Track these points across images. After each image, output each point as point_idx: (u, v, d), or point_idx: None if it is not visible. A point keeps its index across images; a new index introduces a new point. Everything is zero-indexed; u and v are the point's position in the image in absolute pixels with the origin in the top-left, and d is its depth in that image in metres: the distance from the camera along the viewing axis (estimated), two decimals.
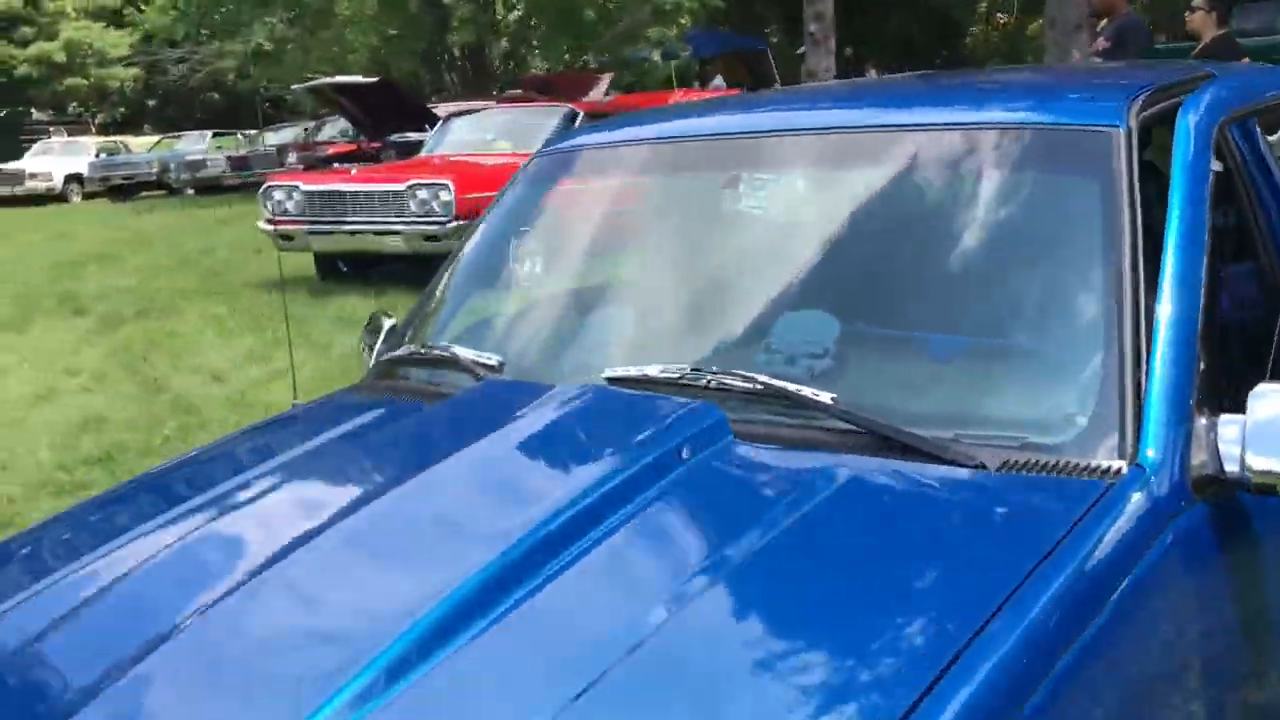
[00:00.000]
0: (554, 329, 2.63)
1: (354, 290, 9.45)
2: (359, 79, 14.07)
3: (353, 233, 9.17)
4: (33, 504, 4.92)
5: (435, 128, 11.18)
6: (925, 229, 2.30)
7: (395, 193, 8.93)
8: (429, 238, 8.87)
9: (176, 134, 30.96)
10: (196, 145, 27.75)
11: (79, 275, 11.35)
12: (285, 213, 9.57)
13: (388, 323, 3.03)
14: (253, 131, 30.55)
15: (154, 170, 25.91)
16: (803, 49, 24.71)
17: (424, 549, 1.65)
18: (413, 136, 14.28)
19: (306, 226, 9.42)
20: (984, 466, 1.77)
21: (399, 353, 2.66)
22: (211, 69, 30.57)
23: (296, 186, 9.47)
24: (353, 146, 15.18)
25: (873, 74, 23.52)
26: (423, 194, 8.85)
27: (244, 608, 1.53)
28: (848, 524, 1.73)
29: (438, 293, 2.94)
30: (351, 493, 1.92)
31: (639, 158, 2.72)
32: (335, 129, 22.57)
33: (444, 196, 8.75)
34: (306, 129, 24.53)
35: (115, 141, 31.74)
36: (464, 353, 2.43)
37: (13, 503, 4.96)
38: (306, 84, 13.87)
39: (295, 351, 7.43)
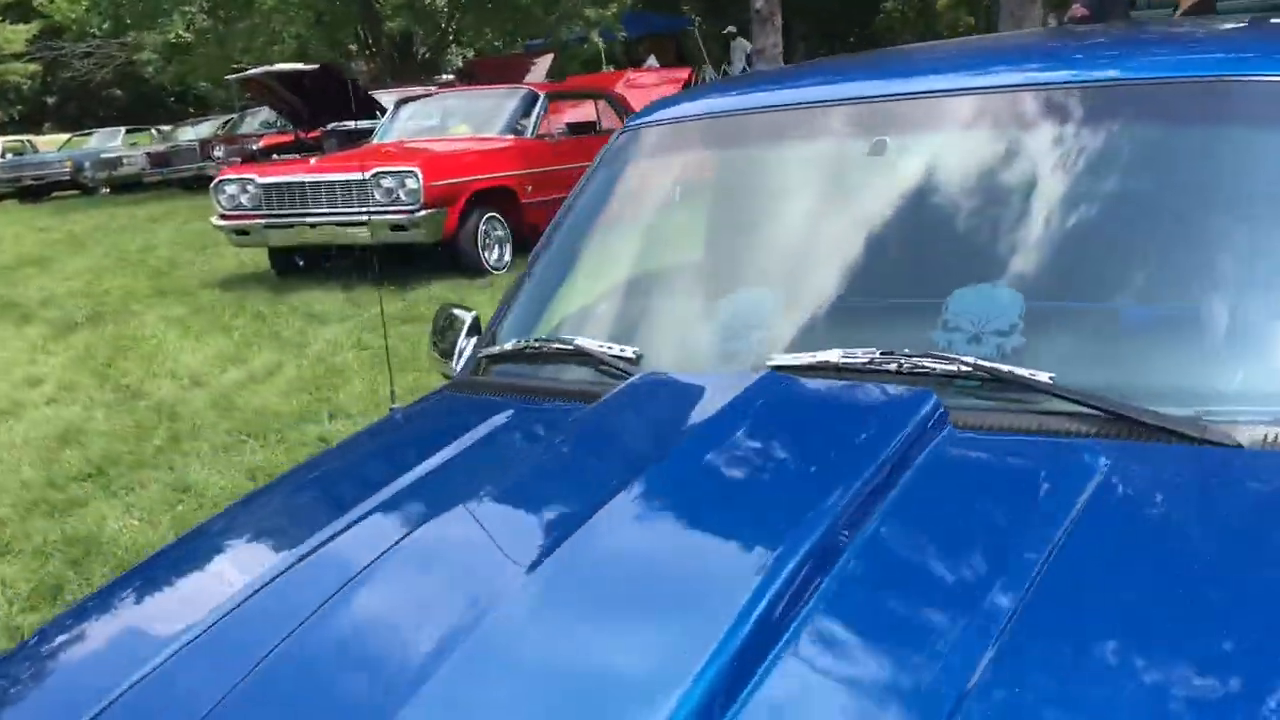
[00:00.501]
0: (688, 315, 2.42)
1: (316, 285, 9.10)
2: (300, 66, 13.61)
3: (314, 225, 8.81)
4: (27, 525, 4.58)
5: (387, 114, 10.80)
6: (1119, 191, 2.13)
7: (358, 182, 8.60)
8: (396, 227, 8.55)
9: (87, 131, 29.90)
10: (110, 142, 26.81)
11: (15, 281, 10.80)
12: (240, 207, 9.18)
13: (468, 316, 2.79)
14: (167, 127, 29.63)
15: (67, 170, 24.99)
16: (729, 29, 24.70)
17: (686, 573, 1.44)
18: (353, 125, 13.88)
19: (264, 220, 9.04)
20: (1239, 444, 1.62)
21: (505, 347, 2.43)
22: (120, 63, 29.44)
23: (251, 179, 9.07)
24: (289, 137, 14.69)
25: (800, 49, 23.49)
26: (388, 182, 8.53)
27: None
28: (1138, 519, 1.56)
29: (537, 281, 2.71)
30: (554, 514, 1.69)
31: (765, 126, 2.51)
32: (257, 121, 21.94)
33: (410, 184, 8.44)
34: (227, 122, 23.79)
35: (21, 140, 30.59)
36: (592, 345, 2.22)
37: (5, 525, 4.61)
38: (241, 74, 13.34)
39: (266, 352, 7.13)
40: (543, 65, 17.05)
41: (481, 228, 9.01)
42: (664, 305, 2.51)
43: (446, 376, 2.78)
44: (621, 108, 11.31)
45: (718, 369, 2.17)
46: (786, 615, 1.29)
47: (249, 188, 9.09)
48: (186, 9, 18.62)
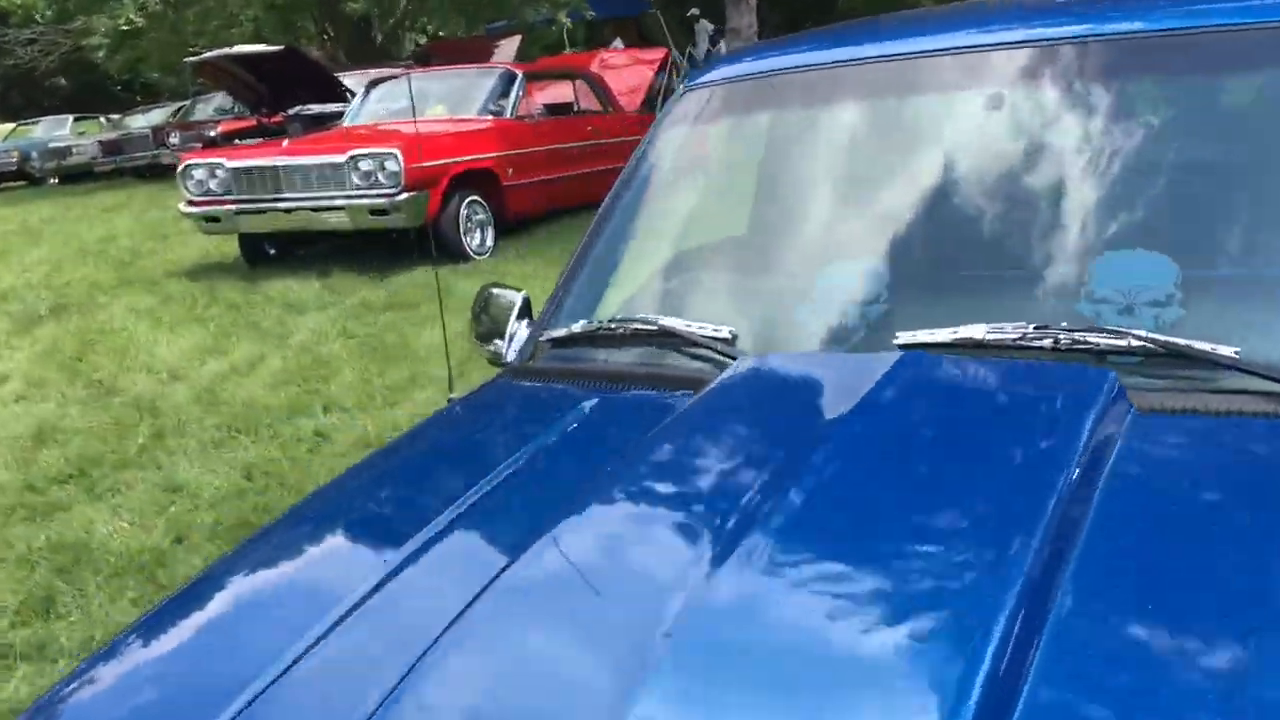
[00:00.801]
0: (786, 289, 2.17)
1: (289, 273, 8.76)
2: (262, 48, 13.14)
3: (289, 210, 8.46)
4: (8, 531, 4.27)
5: (357, 96, 10.44)
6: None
7: (335, 165, 8.26)
8: (376, 211, 8.23)
9: (32, 120, 29.10)
10: (57, 131, 26.10)
11: None
12: (209, 193, 8.81)
13: (517, 297, 2.53)
14: (117, 115, 28.91)
15: (14, 160, 24.29)
16: (692, 11, 24.43)
17: (908, 582, 1.20)
18: (317, 108, 13.48)
19: (234, 206, 8.67)
20: None
21: (573, 329, 2.18)
22: (65, 50, 28.64)
23: (220, 164, 8.70)
24: (249, 122, 14.25)
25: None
26: (366, 165, 8.20)
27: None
28: None
29: (600, 256, 2.46)
30: (707, 520, 1.42)
31: (861, 79, 2.27)
32: (211, 107, 21.40)
33: (391, 166, 8.12)
34: (180, 109, 23.19)
35: None
36: (679, 324, 1.97)
37: None
38: (199, 57, 12.90)
39: (245, 343, 6.80)
40: (509, 47, 16.69)
41: (463, 211, 8.70)
42: (755, 278, 2.26)
43: (494, 363, 2.53)
44: (600, 88, 11.04)
45: (828, 349, 1.93)
46: (1031, 631, 1.08)
47: (218, 172, 8.72)
48: None
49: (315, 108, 13.31)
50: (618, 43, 22.79)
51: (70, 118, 26.87)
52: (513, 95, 9.66)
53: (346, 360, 6.19)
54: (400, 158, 8.06)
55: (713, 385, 1.75)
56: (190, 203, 8.88)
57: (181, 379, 6.16)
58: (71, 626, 3.50)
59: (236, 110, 19.73)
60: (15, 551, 4.07)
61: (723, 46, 20.85)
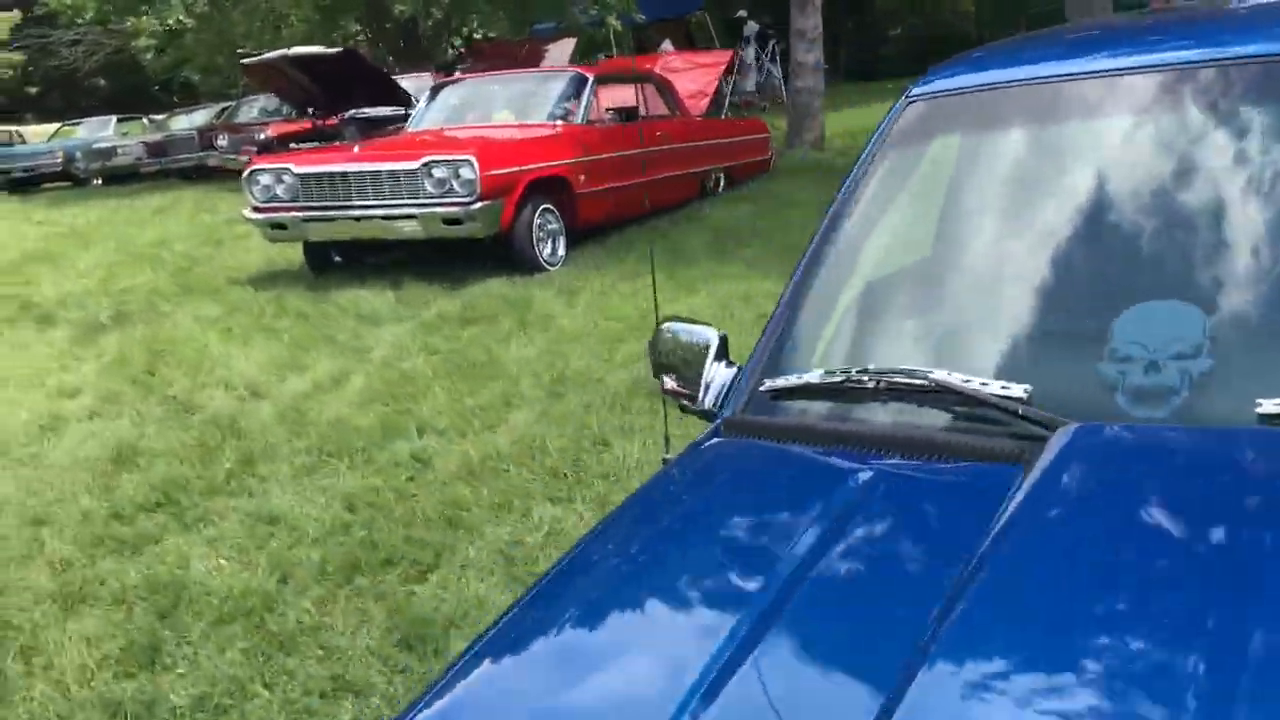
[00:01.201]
0: (1076, 337, 1.83)
1: (358, 282, 8.48)
2: (321, 50, 12.93)
3: (359, 218, 8.19)
4: (98, 566, 3.98)
5: (422, 100, 10.17)
6: None
7: (408, 171, 7.97)
8: (450, 220, 7.94)
9: (75, 121, 29.06)
10: (100, 132, 25.98)
11: (27, 279, 10.13)
12: (275, 199, 8.54)
13: (712, 336, 2.21)
14: (160, 116, 28.85)
15: (58, 161, 24.18)
16: (740, 13, 24.08)
17: None
18: (372, 112, 13.25)
19: (302, 213, 8.40)
20: None
21: (807, 379, 1.86)
22: (109, 51, 28.60)
23: (287, 169, 8.43)
24: (302, 125, 14.02)
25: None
26: (440, 171, 7.91)
27: None
28: None
29: (822, 293, 2.13)
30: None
31: (1141, 91, 1.93)
32: (255, 109, 21.23)
33: (466, 174, 7.83)
34: (224, 110, 23.04)
35: (8, 131, 29.72)
36: (959, 380, 1.65)
37: (70, 567, 4.01)
38: (256, 57, 12.68)
39: (324, 358, 6.52)
40: (562, 49, 16.40)
41: (536, 220, 8.40)
42: (1032, 323, 1.91)
43: (684, 409, 2.21)
44: (668, 92, 10.74)
45: (1148, 411, 1.60)
46: None
47: (285, 178, 8.45)
48: None
49: (372, 111, 13.07)
50: (667, 45, 22.47)
51: (114, 119, 26.77)
52: (583, 100, 9.36)
53: (433, 378, 5.89)
54: (475, 164, 7.77)
55: (1046, 465, 1.43)
56: (256, 209, 8.62)
57: (262, 396, 5.88)
58: (181, 680, 3.21)
59: (285, 112, 19.56)
60: (109, 589, 3.79)
61: (774, 48, 20.41)
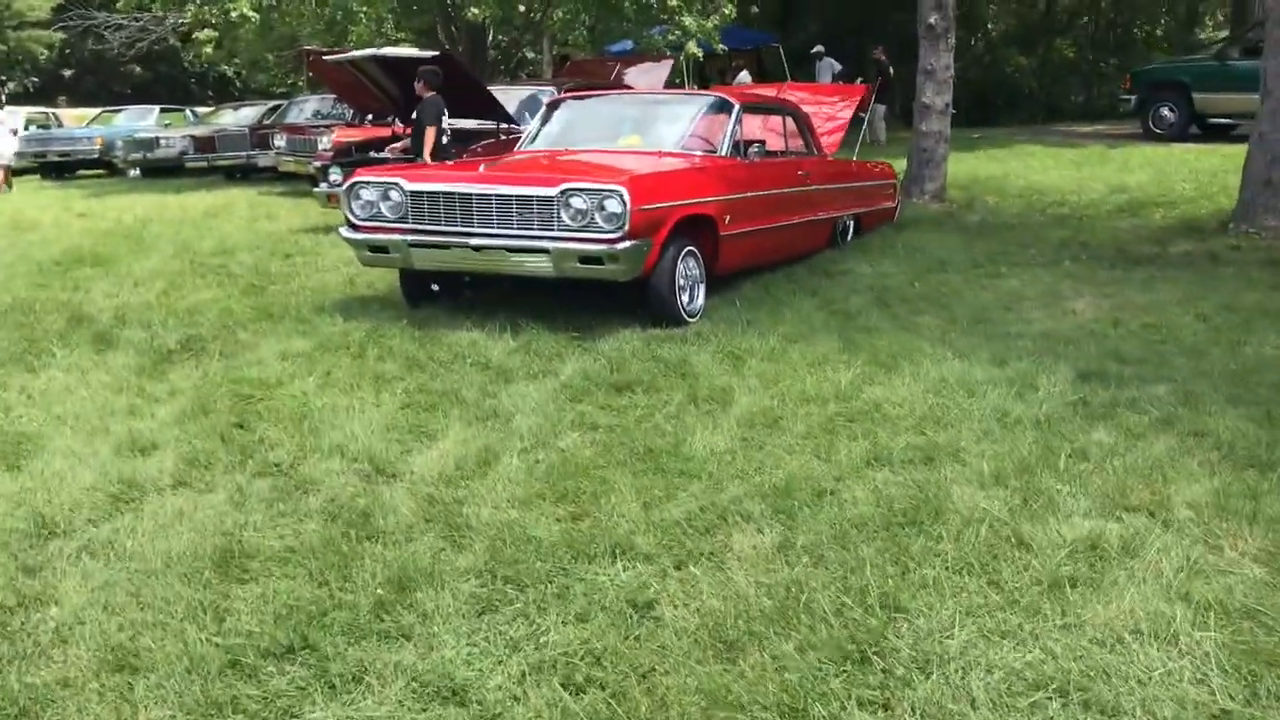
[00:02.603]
0: None
1: (467, 320, 7.29)
2: (414, 51, 11.80)
3: (478, 248, 6.98)
4: None
5: (538, 116, 8.99)
6: None
7: (543, 199, 6.79)
8: (589, 259, 6.74)
9: (115, 108, 28.03)
10: (141, 121, 24.98)
11: (76, 284, 8.95)
12: (377, 216, 7.36)
13: None
14: (204, 109, 27.80)
15: (96, 147, 23.15)
16: (816, 48, 22.90)
17: None
18: (461, 124, 12.07)
19: (410, 236, 7.21)
20: None
21: None
22: (154, 39, 27.52)
23: (396, 184, 7.24)
24: (369, 131, 12.84)
25: (883, 58, 21.73)
26: (580, 202, 6.72)
27: None
28: None
29: None
30: None
31: None
32: (308, 109, 20.13)
33: (613, 207, 6.63)
34: (276, 108, 21.93)
35: (45, 113, 28.71)
36: None
37: None
38: (341, 54, 11.51)
39: (456, 424, 5.26)
40: (660, 71, 15.22)
41: (681, 263, 7.21)
42: None
43: None
44: (807, 128, 9.56)
45: None
46: None
47: (392, 194, 7.26)
48: None
49: (461, 123, 11.90)
50: (745, 75, 21.32)
51: (156, 109, 25.77)
52: (728, 129, 8.18)
53: (606, 466, 4.67)
54: (627, 197, 6.58)
55: None
56: (355, 226, 7.43)
57: (391, 474, 4.65)
58: None
59: (345, 116, 18.49)
60: None
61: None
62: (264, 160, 18.55)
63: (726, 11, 17.31)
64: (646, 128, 8.56)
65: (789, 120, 9.33)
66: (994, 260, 9.08)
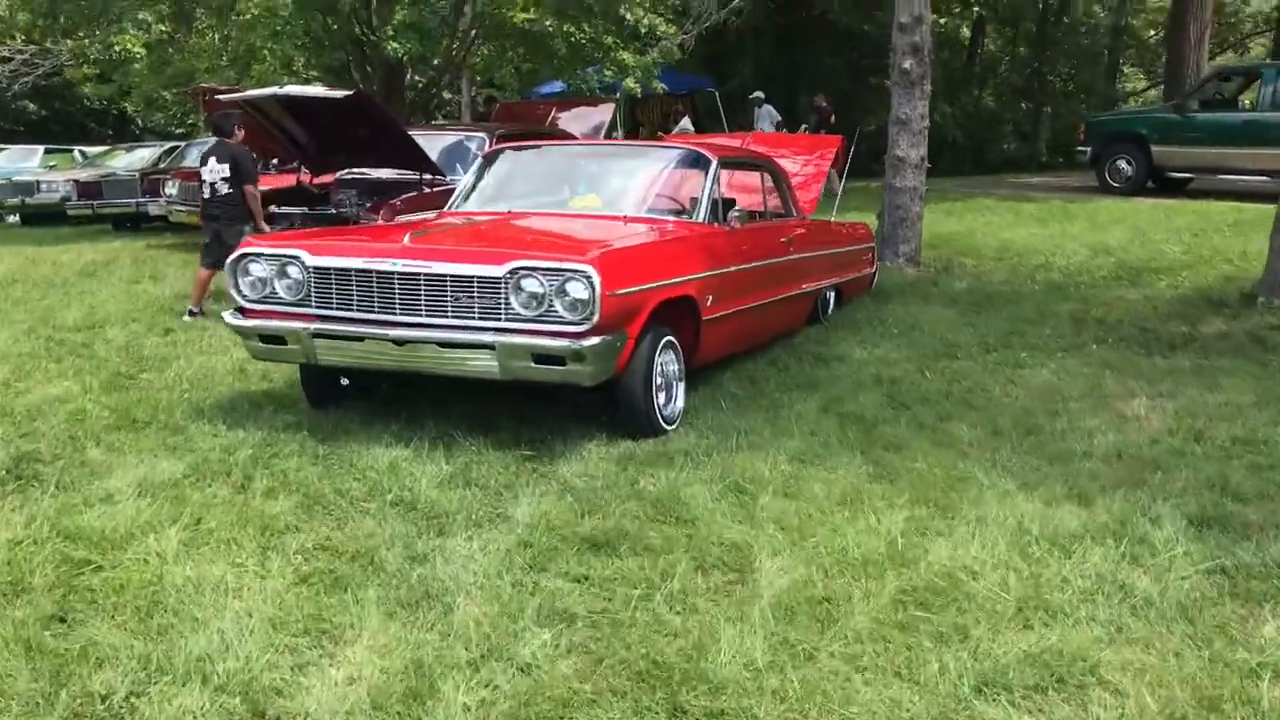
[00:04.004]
0: None
1: (385, 429, 5.76)
2: (325, 91, 10.25)
3: (400, 342, 5.46)
4: None
5: (473, 169, 7.49)
6: None
7: (486, 280, 5.30)
8: (546, 358, 5.26)
9: None
10: (25, 162, 22.94)
11: None
12: (271, 298, 5.80)
13: None
14: (94, 149, 25.78)
15: None
16: (755, 94, 21.66)
17: None
18: (377, 174, 10.55)
19: (313, 325, 5.66)
20: None
21: None
22: (41, 73, 25.51)
23: (297, 258, 5.70)
24: (289, 179, 11.24)
25: (824, 104, 20.66)
26: (533, 284, 5.26)
27: None
28: None
29: None
30: None
31: None
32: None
33: (578, 292, 5.18)
34: (172, 150, 20.07)
35: None
36: None
37: None
38: (241, 93, 9.93)
39: (373, 616, 3.66)
40: (600, 116, 13.81)
41: (658, 358, 5.77)
42: None
43: None
44: (785, 183, 8.21)
45: None
46: None
47: (292, 270, 5.72)
48: (145, 14, 15.05)
49: (376, 173, 10.39)
50: (686, 122, 20.06)
51: (41, 149, 23.73)
52: (705, 189, 6.78)
53: (595, 700, 3.18)
54: (596, 280, 5.12)
55: None
56: (245, 311, 5.86)
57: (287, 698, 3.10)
58: None
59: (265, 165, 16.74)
60: None
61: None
62: (155, 209, 16.73)
63: (667, 44, 15.99)
64: (605, 185, 7.14)
65: (766, 176, 7.96)
66: (1007, 343, 7.78)
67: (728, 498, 4.78)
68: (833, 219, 9.37)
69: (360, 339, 5.56)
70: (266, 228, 8.91)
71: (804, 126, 19.91)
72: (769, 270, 7.21)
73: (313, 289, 5.69)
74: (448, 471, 5.15)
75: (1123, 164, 17.72)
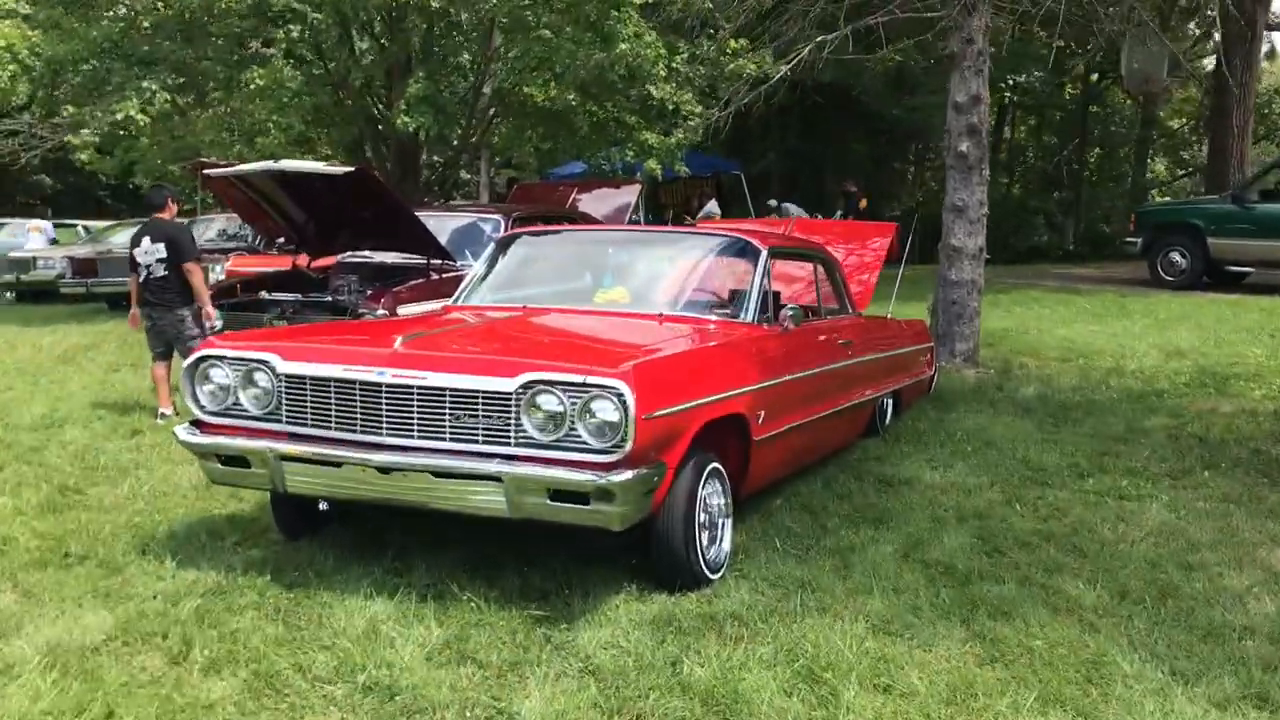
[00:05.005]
0: None
1: (363, 572, 4.71)
2: (323, 167, 9.34)
3: (386, 469, 4.40)
4: None
5: (485, 255, 6.48)
6: None
7: (493, 395, 4.26)
8: (566, 495, 4.19)
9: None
10: (17, 238, 22.20)
11: None
12: (235, 410, 4.77)
13: None
14: (100, 223, 25.09)
15: None
16: (771, 201, 20.73)
17: None
18: (381, 259, 9.60)
19: (283, 445, 4.61)
20: None
21: None
22: (51, 147, 24.86)
23: (267, 363, 4.67)
24: (283, 261, 10.31)
25: (854, 189, 19.80)
26: (551, 402, 4.21)
27: None
28: None
29: None
30: None
31: None
32: (212, 229, 17.58)
33: (604, 413, 4.14)
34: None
35: None
36: None
37: None
38: (232, 168, 9.05)
39: None
40: (625, 198, 12.91)
41: (701, 492, 4.70)
42: None
43: None
44: (840, 275, 7.20)
45: None
46: None
47: (259, 379, 4.70)
48: (147, 84, 14.30)
49: (380, 257, 9.44)
50: (713, 206, 19.17)
51: (37, 223, 22.98)
52: (755, 283, 5.77)
53: None
54: (630, 398, 4.07)
55: None
56: (202, 425, 4.83)
57: None
58: None
59: (254, 241, 15.97)
60: None
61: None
62: None
63: (694, 124, 15.17)
64: (634, 277, 6.12)
65: (819, 268, 6.94)
66: (1102, 466, 6.69)
67: (800, 692, 3.67)
68: (889, 314, 8.31)
69: (338, 464, 4.51)
70: (213, 312, 7.93)
71: (838, 213, 19.00)
72: (827, 378, 6.16)
73: (284, 401, 4.65)
74: (439, 639, 4.07)
75: (1176, 256, 16.70)
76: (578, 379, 4.17)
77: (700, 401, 4.61)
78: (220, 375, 4.80)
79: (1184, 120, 35.55)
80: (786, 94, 12.51)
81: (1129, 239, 17.51)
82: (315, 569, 4.80)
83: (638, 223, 13.24)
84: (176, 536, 5.28)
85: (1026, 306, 14.67)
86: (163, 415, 8.01)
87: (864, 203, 19.25)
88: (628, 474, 4.13)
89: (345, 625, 4.17)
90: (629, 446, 4.11)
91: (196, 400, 4.83)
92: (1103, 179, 33.51)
